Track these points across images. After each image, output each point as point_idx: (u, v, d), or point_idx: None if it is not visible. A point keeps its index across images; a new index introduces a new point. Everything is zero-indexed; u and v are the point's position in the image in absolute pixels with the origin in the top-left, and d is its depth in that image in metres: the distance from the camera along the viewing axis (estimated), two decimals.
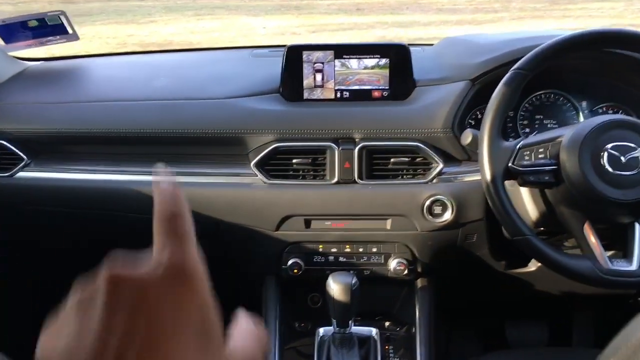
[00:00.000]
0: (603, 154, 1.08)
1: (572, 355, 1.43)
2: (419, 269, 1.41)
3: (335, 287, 1.19)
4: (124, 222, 1.40)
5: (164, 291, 0.41)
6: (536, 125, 1.44)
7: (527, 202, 1.25)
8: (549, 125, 1.44)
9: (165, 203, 0.45)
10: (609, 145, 1.08)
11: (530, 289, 1.55)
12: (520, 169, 1.12)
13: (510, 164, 1.13)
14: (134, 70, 1.62)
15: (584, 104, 1.44)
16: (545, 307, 1.88)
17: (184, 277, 0.43)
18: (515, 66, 1.15)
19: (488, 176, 1.12)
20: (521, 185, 1.15)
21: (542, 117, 1.44)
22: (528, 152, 1.14)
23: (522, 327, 1.91)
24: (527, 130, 1.44)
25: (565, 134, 1.13)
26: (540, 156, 1.13)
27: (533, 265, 1.44)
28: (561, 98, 1.44)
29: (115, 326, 0.39)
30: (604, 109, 1.43)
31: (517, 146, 1.15)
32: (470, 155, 1.35)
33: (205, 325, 0.42)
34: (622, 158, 1.07)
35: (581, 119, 1.43)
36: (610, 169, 1.07)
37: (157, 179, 0.46)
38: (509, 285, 1.56)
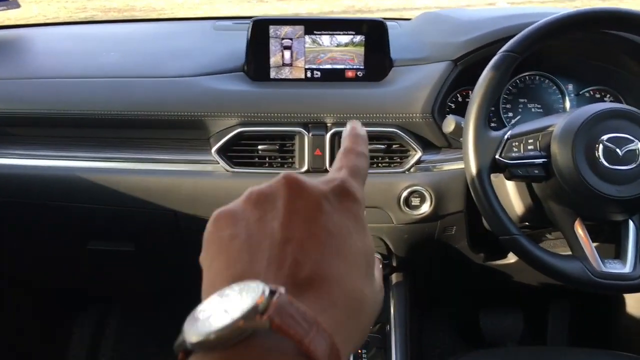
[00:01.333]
0: (598, 147, 0.99)
1: (545, 355, 1.37)
2: (394, 264, 1.32)
3: None
4: (68, 213, 1.27)
5: (335, 207, 0.45)
6: (520, 109, 1.35)
7: (512, 196, 1.16)
8: (533, 110, 1.35)
9: (356, 141, 0.52)
10: (605, 137, 0.99)
11: (507, 281, 1.48)
12: (508, 161, 1.02)
13: (497, 156, 1.03)
14: (81, 43, 1.46)
15: (570, 87, 1.35)
16: (521, 297, 1.82)
17: (352, 199, 0.46)
18: (505, 48, 1.04)
19: (473, 169, 1.02)
20: (508, 179, 1.05)
21: (525, 100, 1.35)
22: (517, 143, 1.05)
23: (497, 317, 1.85)
24: (510, 114, 1.35)
25: (557, 123, 1.03)
26: (529, 147, 1.04)
27: (512, 258, 1.37)
28: (546, 80, 1.35)
29: (293, 229, 0.42)
30: (591, 92, 1.35)
31: (505, 136, 1.05)
32: (451, 142, 1.25)
33: (366, 250, 0.45)
34: (619, 151, 0.98)
35: (567, 103, 1.34)
36: (605, 163, 0.98)
37: (353, 123, 0.54)
38: (486, 276, 1.49)
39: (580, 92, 1.35)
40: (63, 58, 1.35)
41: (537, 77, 1.35)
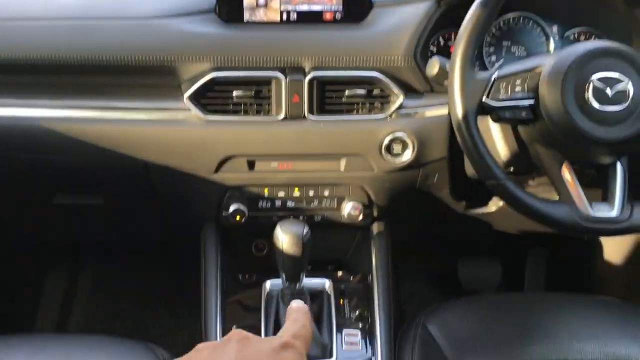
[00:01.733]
0: (588, 87, 0.95)
1: (524, 299, 1.37)
2: (375, 213, 1.29)
3: (285, 237, 1.05)
4: (31, 166, 1.20)
5: (275, 356, 0.56)
6: (503, 53, 1.30)
7: (497, 139, 1.12)
8: (516, 53, 1.31)
9: (301, 315, 0.64)
10: (595, 77, 0.95)
11: (487, 230, 1.47)
12: (495, 104, 0.99)
13: (484, 98, 0.99)
14: None
15: (555, 29, 1.30)
16: (499, 245, 1.82)
17: (293, 354, 0.57)
18: None
19: (460, 112, 0.98)
20: (495, 121, 1.02)
21: (509, 43, 1.30)
22: (504, 84, 1.01)
23: (475, 266, 1.85)
24: (494, 58, 1.30)
25: (546, 63, 0.99)
26: (517, 89, 1.00)
27: (494, 206, 1.35)
28: (530, 22, 1.30)
29: None
30: (576, 35, 1.31)
31: (492, 77, 1.01)
32: (434, 86, 1.21)
33: None
34: (609, 91, 0.95)
35: (551, 46, 1.30)
36: (595, 104, 0.95)
37: (294, 307, 0.67)
38: (466, 225, 1.47)
39: (565, 35, 1.31)
40: None
41: (521, 19, 1.30)
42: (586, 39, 1.31)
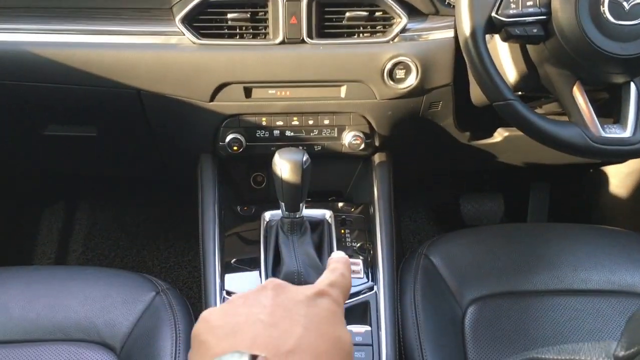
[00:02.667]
0: (604, 1, 0.90)
1: (528, 229, 1.35)
2: (377, 143, 1.25)
3: (283, 165, 1.01)
4: (19, 94, 1.15)
5: (315, 304, 0.54)
6: None
7: (504, 60, 1.07)
8: None
9: (342, 264, 0.62)
10: None
11: (491, 161, 1.44)
12: (505, 19, 0.93)
13: (493, 14, 0.94)
14: None
15: None
16: (502, 180, 1.79)
17: (329, 300, 0.55)
18: None
19: (467, 28, 0.93)
20: (504, 40, 0.97)
21: None
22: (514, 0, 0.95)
23: (477, 202, 1.83)
24: None
25: None
26: (528, 4, 0.94)
27: (499, 136, 1.32)
28: None
29: (277, 317, 0.51)
30: None
31: None
32: (439, 8, 1.15)
33: (343, 339, 0.53)
34: (625, 4, 0.90)
35: None
36: (610, 18, 0.90)
37: (335, 257, 0.65)
38: (469, 157, 1.44)
39: None
40: None
41: None
42: None
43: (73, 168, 1.52)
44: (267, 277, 1.10)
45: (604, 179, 1.65)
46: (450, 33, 1.14)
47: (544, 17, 0.93)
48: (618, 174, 1.62)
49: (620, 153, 0.94)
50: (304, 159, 1.01)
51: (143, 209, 1.89)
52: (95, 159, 1.44)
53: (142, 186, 1.78)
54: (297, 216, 1.08)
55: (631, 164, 1.58)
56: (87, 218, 1.88)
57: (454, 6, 1.12)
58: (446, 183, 1.85)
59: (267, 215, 1.18)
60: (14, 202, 1.80)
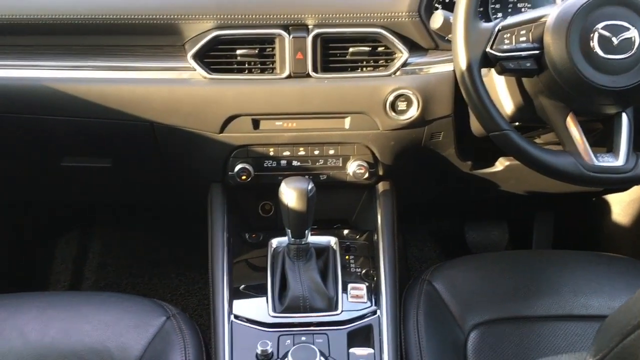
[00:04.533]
0: (593, 36, 0.94)
1: (528, 256, 1.37)
2: (381, 172, 1.29)
3: (290, 193, 1.05)
4: (38, 127, 1.21)
5: None
6: (509, 9, 1.29)
7: (501, 92, 1.12)
8: (523, 9, 1.29)
9: None
10: (600, 25, 0.94)
11: (494, 190, 1.46)
12: (500, 54, 0.98)
13: (488, 49, 0.99)
14: None
15: None
16: (506, 208, 1.82)
17: None
18: None
19: (463, 63, 0.97)
20: (499, 73, 1.01)
21: (516, 0, 1.29)
22: (508, 35, 1.00)
23: (482, 230, 1.85)
24: (499, 15, 1.29)
25: (551, 13, 0.98)
26: (521, 39, 0.99)
27: (500, 165, 1.35)
28: None
29: None
30: None
31: (497, 28, 1.00)
32: (438, 43, 1.20)
33: None
34: (614, 39, 0.94)
35: (558, 0, 1.28)
36: (600, 53, 0.94)
37: None
38: (472, 186, 1.47)
39: None
40: None
41: None
42: None
43: (88, 197, 1.57)
44: (273, 302, 1.13)
45: (606, 207, 1.67)
46: (449, 67, 1.18)
47: (537, 51, 0.97)
48: (620, 202, 1.65)
49: (613, 181, 0.98)
50: (309, 187, 1.06)
51: (155, 237, 1.93)
52: (109, 189, 1.49)
53: (153, 215, 1.83)
54: (303, 243, 1.11)
55: (633, 192, 1.60)
56: (101, 246, 1.92)
57: (449, 40, 1.17)
58: (452, 211, 1.88)
59: (274, 242, 1.22)
60: (30, 230, 1.85)
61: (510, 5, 1.29)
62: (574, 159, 0.97)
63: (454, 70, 1.19)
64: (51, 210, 1.78)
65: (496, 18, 1.28)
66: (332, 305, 1.12)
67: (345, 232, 1.30)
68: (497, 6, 1.29)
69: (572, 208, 1.80)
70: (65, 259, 1.88)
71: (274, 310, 1.12)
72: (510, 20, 1.02)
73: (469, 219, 1.91)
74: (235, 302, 1.16)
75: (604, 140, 1.06)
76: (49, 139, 1.27)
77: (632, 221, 1.63)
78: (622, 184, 1.02)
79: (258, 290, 1.17)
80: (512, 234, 1.86)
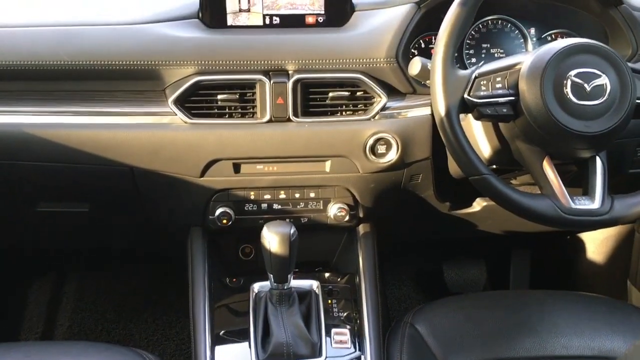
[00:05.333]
0: (566, 83, 0.97)
1: (509, 296, 1.38)
2: (361, 214, 1.29)
3: (272, 238, 1.05)
4: (14, 173, 1.19)
5: None
6: (483, 55, 1.33)
7: (478, 137, 1.14)
8: (496, 55, 1.33)
9: None
10: (573, 72, 0.97)
11: (472, 230, 1.48)
12: (477, 100, 1.00)
13: (465, 95, 1.01)
14: None
15: (533, 31, 1.34)
16: (483, 246, 1.83)
17: None
18: None
19: (442, 109, 1.00)
20: (477, 118, 1.04)
21: (488, 45, 1.33)
22: (485, 82, 1.02)
23: (460, 269, 1.86)
24: (474, 60, 1.33)
25: (525, 60, 1.01)
26: (497, 86, 1.02)
27: (477, 206, 1.37)
28: (509, 25, 1.33)
29: None
30: (553, 36, 1.34)
31: (473, 75, 1.03)
32: (415, 88, 1.23)
33: None
34: (587, 86, 0.97)
35: (530, 47, 1.33)
36: (573, 99, 0.97)
37: None
38: (451, 226, 1.49)
39: (543, 36, 1.34)
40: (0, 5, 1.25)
41: (500, 22, 1.33)
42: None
43: (64, 242, 1.54)
44: (256, 349, 1.12)
45: (581, 245, 1.70)
46: (427, 110, 1.21)
47: (513, 97, 1.00)
48: (594, 240, 1.68)
49: (589, 223, 1.00)
50: (292, 231, 1.06)
51: (130, 281, 1.89)
52: (86, 233, 1.46)
53: (130, 258, 1.80)
54: (286, 287, 1.11)
55: (606, 230, 1.64)
56: (75, 291, 1.88)
57: (426, 85, 1.20)
58: (429, 250, 1.89)
59: (256, 286, 1.21)
60: (1, 275, 1.80)
61: (484, 52, 1.33)
62: (551, 202, 0.99)
63: (431, 114, 1.21)
64: (24, 253, 1.74)
65: (470, 64, 1.32)
66: (315, 352, 1.10)
67: (327, 275, 1.30)
68: (471, 52, 1.33)
69: (547, 245, 1.83)
70: (39, 303, 1.83)
71: (257, 357, 1.10)
72: (486, 67, 1.05)
73: (447, 258, 1.92)
74: (217, 349, 1.14)
75: (578, 182, 1.09)
76: (25, 185, 1.25)
77: (606, 259, 1.66)
78: (599, 227, 1.04)
79: (240, 337, 1.15)
80: (489, 273, 1.88)
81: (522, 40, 1.33)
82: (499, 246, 1.86)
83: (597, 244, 1.68)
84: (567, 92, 0.97)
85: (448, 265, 1.87)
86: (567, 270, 1.79)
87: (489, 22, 1.33)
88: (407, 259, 1.92)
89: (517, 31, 1.33)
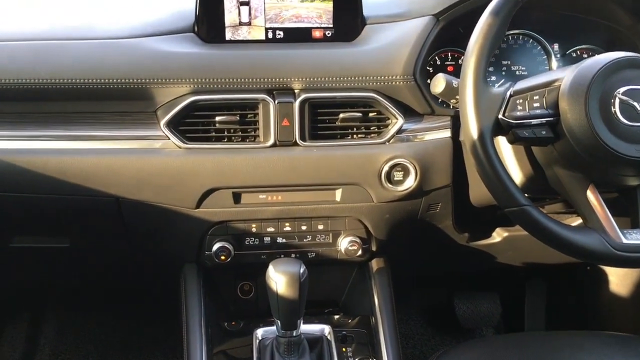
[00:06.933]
0: (614, 101, 0.87)
1: (537, 340, 1.27)
2: (374, 248, 1.18)
3: (279, 278, 0.92)
4: None
5: None
6: (503, 73, 1.23)
7: (509, 161, 1.03)
8: (517, 72, 1.24)
9: None
10: (621, 90, 0.87)
11: (490, 262, 1.37)
12: (513, 121, 0.89)
13: (500, 116, 0.90)
14: None
15: (556, 46, 1.24)
16: (498, 279, 1.72)
17: None
18: None
19: (474, 131, 0.88)
20: (511, 142, 0.93)
21: (509, 62, 1.24)
22: (521, 101, 0.91)
23: (473, 302, 1.74)
24: (493, 78, 1.23)
25: (565, 77, 0.91)
26: (535, 105, 0.91)
27: (498, 236, 1.27)
28: (530, 40, 1.23)
29: None
30: (578, 52, 1.25)
31: (508, 93, 0.92)
32: (434, 108, 1.12)
33: None
34: (637, 105, 0.87)
35: (553, 64, 1.24)
36: (623, 120, 0.86)
37: None
38: (468, 259, 1.38)
39: (567, 53, 1.24)
40: None
41: (521, 37, 1.23)
42: (589, 56, 1.24)
43: (42, 280, 1.40)
44: None
45: (602, 277, 1.59)
46: (447, 133, 1.12)
47: (552, 118, 0.89)
48: (617, 272, 1.57)
49: None
50: (301, 271, 0.94)
51: (113, 319, 1.75)
52: (67, 271, 1.33)
53: (115, 297, 1.66)
54: (295, 334, 0.98)
55: None
56: (54, 330, 1.73)
57: (449, 106, 1.09)
58: (440, 283, 1.77)
59: (260, 332, 1.08)
60: None
61: (504, 69, 1.23)
62: (600, 236, 0.88)
63: (451, 137, 1.11)
64: None
65: (490, 81, 1.22)
66: None
67: (337, 317, 1.17)
68: (491, 69, 1.23)
69: (564, 276, 1.72)
70: (14, 346, 1.68)
71: None
72: (522, 84, 0.94)
73: (457, 290, 1.80)
74: None
75: (620, 211, 0.98)
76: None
77: (630, 292, 1.55)
78: None
79: None
80: (504, 306, 1.76)
81: (545, 56, 1.23)
82: (513, 277, 1.75)
83: (620, 275, 1.56)
84: (615, 111, 0.87)
85: (459, 299, 1.75)
86: (587, 303, 1.67)
87: (509, 37, 1.23)
88: (415, 292, 1.80)
89: (539, 47, 1.23)
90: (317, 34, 1.12)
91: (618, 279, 1.58)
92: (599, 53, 1.22)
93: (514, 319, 1.76)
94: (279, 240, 1.14)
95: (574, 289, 1.72)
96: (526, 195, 1.04)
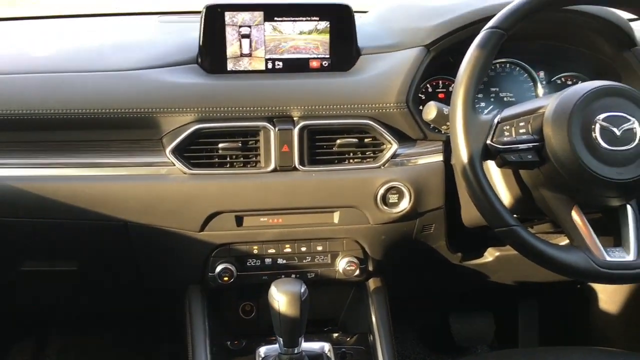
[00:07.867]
0: (594, 127, 0.92)
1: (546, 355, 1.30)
2: (371, 268, 1.22)
3: (281, 298, 0.96)
4: (0, 229, 1.10)
5: None
6: (492, 99, 1.28)
7: (497, 184, 1.08)
8: (505, 99, 1.29)
9: None
10: (601, 117, 0.92)
11: (482, 281, 1.41)
12: (500, 146, 0.95)
13: (488, 141, 0.95)
14: (9, 37, 1.29)
15: (542, 74, 1.30)
16: (491, 297, 1.76)
17: None
18: (490, 24, 0.97)
19: (465, 156, 0.93)
20: (500, 166, 0.98)
21: (497, 89, 1.29)
22: (507, 127, 0.97)
23: (467, 321, 1.78)
24: (482, 104, 1.28)
25: (549, 104, 0.96)
26: (521, 131, 0.96)
27: (489, 256, 1.30)
28: (517, 68, 1.29)
29: None
30: (563, 79, 1.30)
31: (496, 120, 0.97)
32: (427, 133, 1.17)
33: None
34: (616, 131, 0.92)
35: (539, 91, 1.29)
36: (603, 144, 0.92)
37: None
38: (461, 278, 1.42)
39: (552, 80, 1.30)
40: None
41: (508, 65, 1.29)
42: (573, 83, 1.30)
43: (49, 303, 1.43)
44: None
45: (592, 295, 1.63)
46: (439, 157, 1.16)
47: (538, 143, 0.95)
48: (606, 290, 1.61)
49: (627, 277, 0.93)
50: (302, 290, 0.98)
51: (116, 340, 1.77)
52: (74, 294, 1.36)
53: (116, 316, 1.68)
54: (296, 352, 1.02)
55: None
56: (58, 351, 1.75)
57: (440, 131, 1.14)
58: (435, 302, 1.81)
59: (262, 350, 1.12)
60: None
61: (492, 96, 1.29)
62: (585, 255, 0.93)
63: (443, 161, 1.16)
64: (3, 315, 1.61)
65: (480, 108, 1.27)
66: None
67: (335, 335, 1.21)
68: (480, 95, 1.28)
69: (556, 294, 1.76)
70: None
71: None
72: (509, 112, 1.00)
73: (449, 308, 1.84)
74: None
75: (605, 231, 1.03)
76: (10, 243, 1.15)
77: (619, 309, 1.59)
78: (635, 281, 0.98)
79: None
80: (497, 324, 1.79)
81: (532, 83, 1.29)
82: (506, 295, 1.78)
83: (609, 293, 1.61)
84: (595, 136, 0.92)
85: (454, 318, 1.78)
86: (577, 320, 1.71)
87: (497, 65, 1.29)
88: (410, 311, 1.83)
89: (525, 75, 1.29)
90: (314, 64, 1.18)
91: (607, 297, 1.62)
92: (583, 80, 1.30)
93: (508, 336, 1.79)
94: (280, 261, 1.18)
95: (565, 307, 1.76)
96: (515, 216, 1.10)
